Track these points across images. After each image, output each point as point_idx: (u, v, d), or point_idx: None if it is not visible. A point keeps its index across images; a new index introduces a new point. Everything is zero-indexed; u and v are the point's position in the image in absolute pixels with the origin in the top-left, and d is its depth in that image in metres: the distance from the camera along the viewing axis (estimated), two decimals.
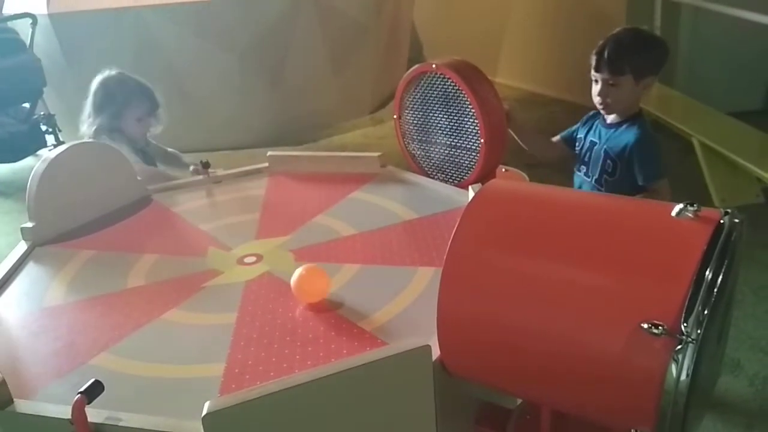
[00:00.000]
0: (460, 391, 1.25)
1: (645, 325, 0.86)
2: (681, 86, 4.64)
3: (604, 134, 1.98)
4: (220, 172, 2.14)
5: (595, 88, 1.93)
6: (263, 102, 4.77)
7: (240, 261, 1.60)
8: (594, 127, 2.03)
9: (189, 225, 1.83)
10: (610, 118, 1.97)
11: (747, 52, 4.67)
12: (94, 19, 4.47)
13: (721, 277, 0.87)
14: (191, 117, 4.72)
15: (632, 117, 1.94)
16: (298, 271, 1.39)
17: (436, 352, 1.10)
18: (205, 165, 2.09)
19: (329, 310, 1.37)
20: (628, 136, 1.91)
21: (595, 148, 2.00)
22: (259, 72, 4.70)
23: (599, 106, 1.95)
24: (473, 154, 1.86)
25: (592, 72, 1.91)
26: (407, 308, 1.35)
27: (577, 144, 2.09)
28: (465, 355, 1.11)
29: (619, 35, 1.91)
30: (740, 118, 3.84)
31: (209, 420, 0.95)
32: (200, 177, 2.10)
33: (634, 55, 1.86)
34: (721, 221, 0.94)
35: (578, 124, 2.11)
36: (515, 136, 2.04)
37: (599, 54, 1.89)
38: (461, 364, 1.12)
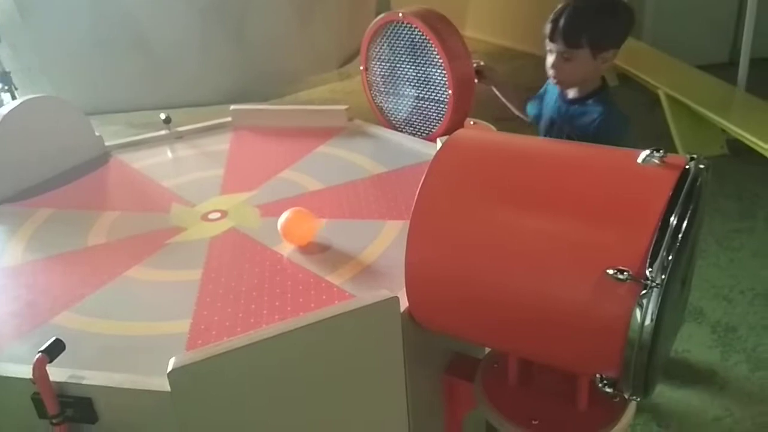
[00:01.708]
0: (429, 342, 1.25)
1: (610, 271, 0.87)
2: (649, 38, 4.65)
3: (564, 110, 1.81)
4: (182, 127, 2.09)
5: (549, 59, 1.73)
6: (226, 57, 4.66)
7: (204, 217, 1.57)
8: (553, 101, 1.86)
9: (151, 181, 1.79)
10: (571, 93, 1.79)
11: (715, 6, 4.69)
12: None
13: (686, 222, 0.88)
14: (152, 73, 4.60)
15: (595, 92, 1.76)
16: (285, 215, 1.40)
17: (404, 304, 1.10)
18: (166, 120, 2.03)
19: (296, 264, 1.35)
20: (591, 114, 1.73)
21: (555, 125, 1.85)
22: (222, 26, 4.58)
23: (552, 80, 1.78)
24: (441, 105, 1.84)
25: (546, 41, 1.72)
26: (375, 261, 1.35)
27: (537, 119, 1.96)
28: (433, 307, 1.11)
29: (577, 1, 1.70)
30: (707, 71, 3.87)
31: (175, 376, 0.94)
32: (160, 133, 2.04)
33: (592, 25, 1.66)
34: (687, 167, 0.93)
35: (536, 97, 1.97)
36: (496, 92, 2.00)
37: (554, 22, 1.68)
38: (429, 315, 1.12)
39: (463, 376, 1.30)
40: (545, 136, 1.88)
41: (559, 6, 1.70)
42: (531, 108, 1.99)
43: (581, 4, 1.69)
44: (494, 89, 2.00)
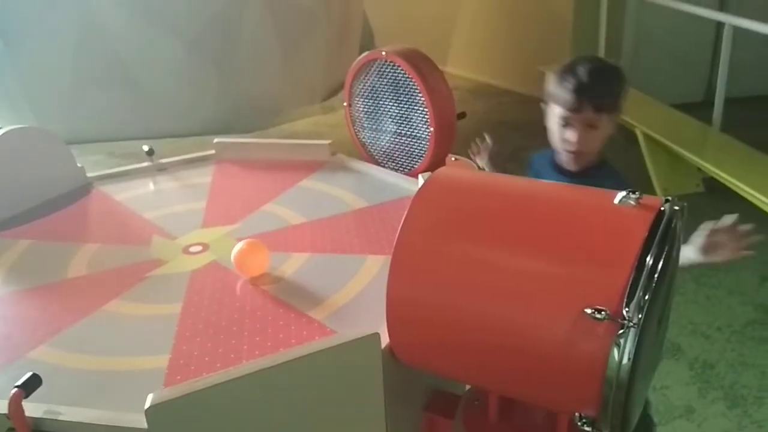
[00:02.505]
0: (409, 379, 1.25)
1: (588, 311, 0.88)
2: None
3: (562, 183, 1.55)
4: (165, 159, 2.09)
5: (569, 133, 1.50)
6: (211, 89, 4.69)
7: (185, 250, 1.56)
8: (545, 172, 1.61)
9: (132, 213, 1.78)
10: (574, 165, 1.56)
11: (690, 46, 4.82)
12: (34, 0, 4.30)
13: (661, 262, 0.89)
14: (137, 104, 4.61)
15: (599, 163, 1.56)
16: (238, 246, 1.43)
17: (385, 340, 1.10)
18: (149, 152, 2.03)
19: (277, 299, 1.35)
20: (611, 182, 1.38)
21: None
22: (207, 59, 4.61)
23: (569, 155, 1.53)
24: (423, 142, 1.86)
25: (564, 113, 1.48)
26: (357, 297, 1.35)
27: None
28: (414, 343, 1.11)
29: (593, 65, 1.49)
30: (683, 110, 3.96)
31: (153, 412, 0.92)
32: (143, 164, 2.04)
33: (613, 87, 1.50)
34: (662, 208, 0.96)
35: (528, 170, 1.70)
36: (486, 167, 1.85)
37: (579, 91, 1.46)
38: (410, 352, 1.13)
39: (443, 413, 1.30)
40: None
41: (566, 71, 1.49)
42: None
43: (598, 67, 1.50)
44: (486, 164, 1.86)
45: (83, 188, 1.93)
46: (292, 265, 1.48)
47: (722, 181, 3.14)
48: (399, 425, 1.22)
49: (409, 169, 1.92)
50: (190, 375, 1.13)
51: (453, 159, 2.33)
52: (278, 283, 1.41)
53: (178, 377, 1.13)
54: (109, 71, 4.49)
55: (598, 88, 1.47)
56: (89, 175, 1.98)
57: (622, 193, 0.98)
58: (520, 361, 0.97)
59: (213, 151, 2.11)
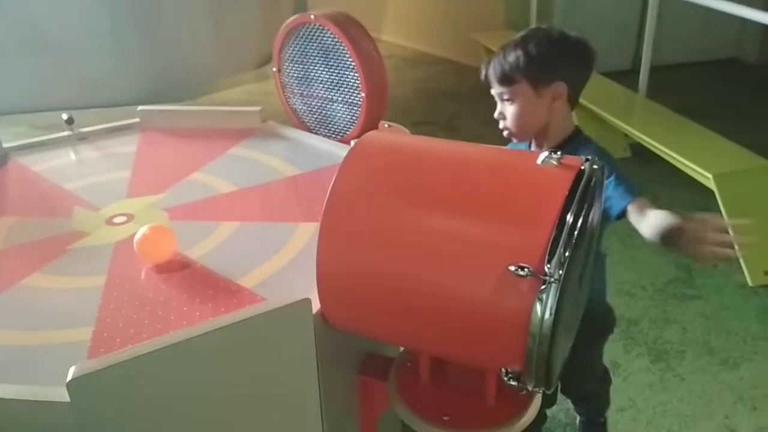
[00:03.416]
0: (342, 344, 1.26)
1: (512, 268, 0.90)
2: None
3: None
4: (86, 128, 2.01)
5: (496, 113, 1.49)
6: (136, 57, 4.51)
7: (109, 221, 1.51)
8: None
9: (51, 184, 1.70)
10: (541, 147, 1.48)
11: (619, 14, 4.93)
12: None
13: (581, 220, 0.92)
14: (55, 72, 4.38)
15: (570, 138, 1.47)
16: (141, 230, 1.32)
17: (316, 306, 1.10)
18: (69, 121, 1.95)
19: (206, 269, 1.32)
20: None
21: None
22: (132, 24, 4.42)
23: (504, 135, 1.50)
24: (355, 108, 1.85)
25: (491, 91, 1.48)
26: (288, 264, 1.34)
27: None
28: (344, 307, 1.11)
29: (516, 37, 1.45)
30: (611, 78, 4.05)
31: (75, 385, 0.90)
32: (63, 134, 1.95)
33: (527, 56, 1.40)
34: (582, 168, 0.98)
35: None
36: None
37: (485, 63, 1.46)
38: (341, 316, 1.13)
39: (376, 376, 1.31)
40: None
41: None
42: None
43: (521, 35, 1.45)
44: None
45: None
46: (221, 234, 1.45)
47: (648, 146, 3.24)
48: (333, 389, 1.22)
49: (342, 136, 1.91)
50: (116, 347, 1.10)
51: (386, 126, 2.32)
52: (206, 252, 1.38)
53: (102, 350, 1.10)
54: (27, 38, 4.25)
55: (500, 58, 1.42)
56: (5, 145, 1.88)
57: (545, 154, 1.00)
58: (447, 321, 0.98)
59: (137, 119, 2.04)
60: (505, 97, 1.44)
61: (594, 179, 0.98)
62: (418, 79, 5.12)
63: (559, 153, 0.99)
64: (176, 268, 1.33)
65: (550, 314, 0.90)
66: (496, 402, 1.16)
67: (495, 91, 1.46)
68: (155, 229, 1.34)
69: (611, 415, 1.93)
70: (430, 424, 1.14)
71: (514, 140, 1.51)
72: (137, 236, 1.32)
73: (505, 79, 1.42)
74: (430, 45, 5.76)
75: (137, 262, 1.35)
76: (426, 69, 5.40)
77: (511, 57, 1.41)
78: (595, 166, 0.99)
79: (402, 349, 1.34)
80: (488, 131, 3.63)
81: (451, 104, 4.51)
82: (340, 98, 1.87)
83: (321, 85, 1.90)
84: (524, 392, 1.14)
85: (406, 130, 2.39)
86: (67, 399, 0.91)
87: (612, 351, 2.30)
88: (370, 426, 1.38)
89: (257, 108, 2.01)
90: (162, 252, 1.34)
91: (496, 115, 1.48)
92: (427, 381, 1.22)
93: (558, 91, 1.43)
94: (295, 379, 1.12)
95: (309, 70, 1.90)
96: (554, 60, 1.42)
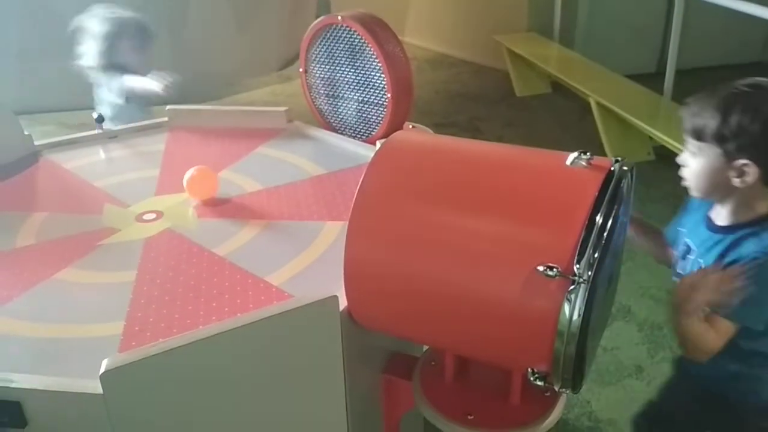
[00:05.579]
0: (368, 342, 1.27)
1: (540, 268, 0.90)
2: (580, 48, 4.81)
3: (706, 239, 1.30)
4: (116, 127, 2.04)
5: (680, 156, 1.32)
6: (164, 59, 4.56)
7: (138, 218, 1.54)
8: (694, 222, 1.36)
9: (82, 182, 1.73)
10: (721, 218, 1.29)
11: (643, 18, 4.89)
12: None
13: (610, 221, 0.92)
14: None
15: (755, 221, 1.25)
16: (189, 172, 1.58)
17: (343, 303, 1.11)
18: (99, 120, 1.98)
19: (234, 266, 1.34)
20: (743, 250, 1.22)
21: (690, 257, 1.34)
22: (158, 26, 4.48)
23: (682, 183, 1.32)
24: (380, 109, 1.86)
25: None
26: (315, 262, 1.35)
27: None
28: (371, 305, 1.12)
29: (727, 87, 1.22)
30: (635, 80, 4.03)
31: (108, 377, 0.92)
32: (93, 132, 1.98)
33: (724, 115, 1.18)
34: (612, 169, 0.98)
35: (682, 212, 1.43)
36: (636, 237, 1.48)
37: (687, 104, 1.27)
38: (368, 314, 1.14)
39: (401, 375, 1.32)
40: (676, 268, 1.40)
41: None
42: (670, 231, 1.46)
43: (724, 89, 1.22)
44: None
45: (30, 157, 1.87)
46: (249, 232, 1.47)
47: (672, 149, 3.21)
48: (358, 387, 1.23)
49: (367, 136, 1.92)
50: (146, 341, 1.12)
51: (411, 126, 2.33)
52: (235, 250, 1.40)
53: (134, 343, 1.12)
54: (56, 40, 4.33)
55: (695, 108, 1.23)
56: (37, 143, 1.92)
57: (574, 154, 1.00)
58: (474, 318, 0.99)
59: (166, 119, 2.06)
60: (691, 148, 1.26)
61: (624, 180, 0.97)
62: (440, 81, 5.12)
63: (588, 154, 0.99)
64: (205, 264, 1.35)
65: (579, 315, 0.90)
66: (520, 402, 1.16)
67: (684, 134, 1.28)
68: (201, 169, 1.59)
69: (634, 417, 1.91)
70: (455, 422, 1.15)
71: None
72: (186, 177, 1.58)
73: (696, 135, 1.24)
74: (453, 47, 5.75)
75: (167, 258, 1.37)
76: (448, 71, 5.40)
77: (707, 116, 1.21)
78: (625, 168, 0.98)
79: (426, 348, 1.35)
80: (509, 132, 3.64)
81: (472, 106, 4.51)
82: (365, 99, 1.88)
83: (347, 86, 1.91)
84: (549, 393, 1.15)
85: (431, 131, 2.40)
86: (100, 391, 0.93)
87: (637, 355, 2.29)
88: (394, 425, 1.39)
89: (283, 108, 2.02)
90: (207, 189, 1.60)
91: (678, 159, 1.31)
92: (452, 380, 1.23)
93: (749, 172, 1.19)
94: (321, 375, 1.13)
95: (335, 71, 1.92)
96: (753, 135, 1.18)
